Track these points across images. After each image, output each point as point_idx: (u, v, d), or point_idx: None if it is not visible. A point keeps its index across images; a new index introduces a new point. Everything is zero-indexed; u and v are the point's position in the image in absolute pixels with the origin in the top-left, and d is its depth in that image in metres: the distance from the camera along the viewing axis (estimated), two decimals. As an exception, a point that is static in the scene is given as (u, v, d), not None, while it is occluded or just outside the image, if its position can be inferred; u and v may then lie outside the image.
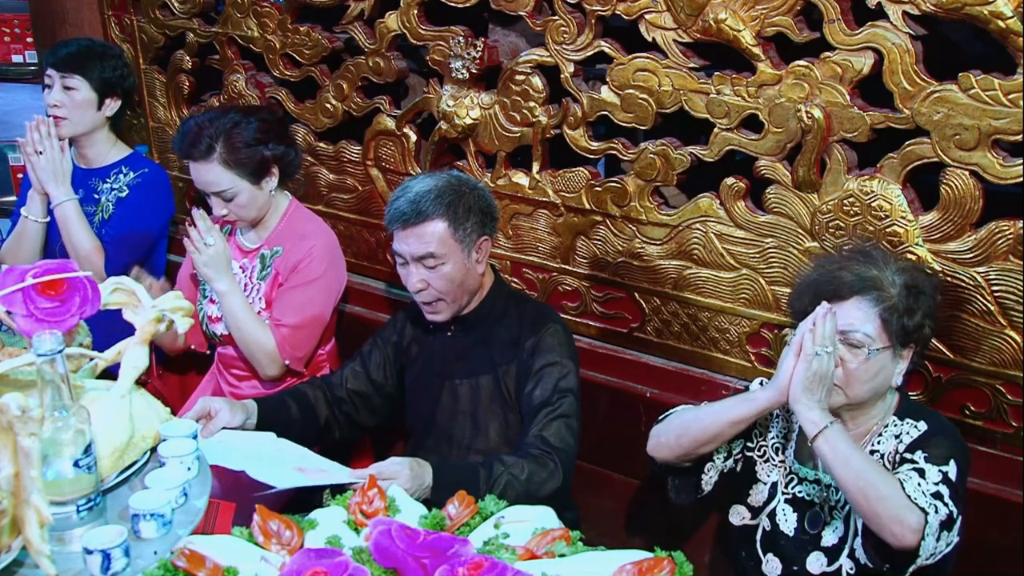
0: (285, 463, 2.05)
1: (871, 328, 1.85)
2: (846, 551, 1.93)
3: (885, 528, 1.73)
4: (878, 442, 1.94)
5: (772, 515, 2.03)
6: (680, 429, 2.03)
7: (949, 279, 2.09)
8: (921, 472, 1.80)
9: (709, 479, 2.08)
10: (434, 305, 2.26)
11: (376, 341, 2.47)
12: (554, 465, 2.13)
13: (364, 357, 2.46)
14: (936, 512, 1.73)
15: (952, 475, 1.80)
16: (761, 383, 2.09)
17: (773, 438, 2.06)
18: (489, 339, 2.32)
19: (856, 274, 1.88)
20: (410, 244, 2.20)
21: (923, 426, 1.90)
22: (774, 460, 2.05)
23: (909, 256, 2.11)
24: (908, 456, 1.85)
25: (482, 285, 2.32)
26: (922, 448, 1.85)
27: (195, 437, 1.78)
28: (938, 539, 1.73)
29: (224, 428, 2.15)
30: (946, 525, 1.74)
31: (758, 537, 2.05)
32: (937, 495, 1.76)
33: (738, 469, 2.10)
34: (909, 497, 1.73)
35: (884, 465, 1.90)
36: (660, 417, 2.11)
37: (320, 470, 2.07)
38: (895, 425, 1.93)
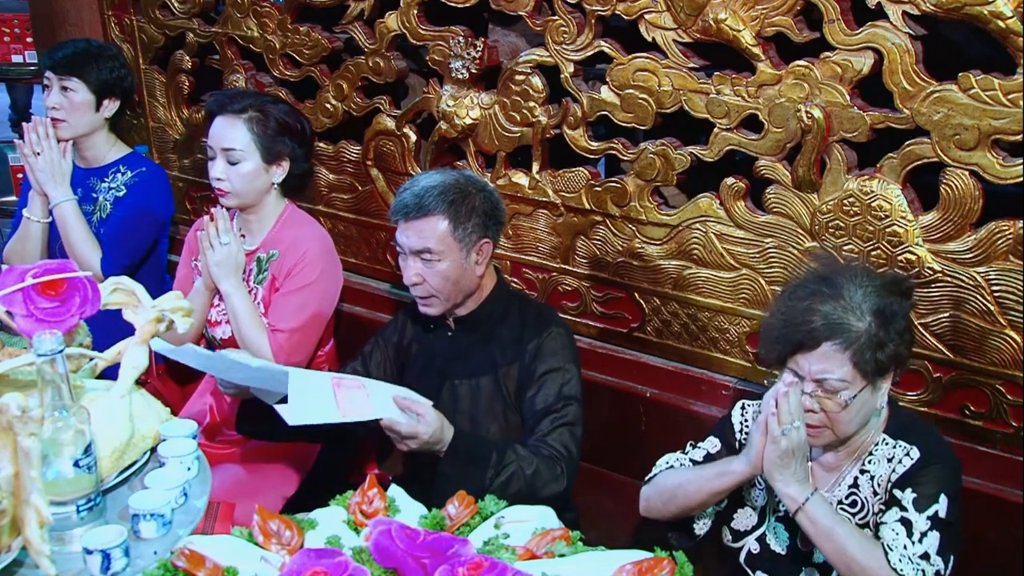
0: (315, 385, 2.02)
1: (845, 373, 1.80)
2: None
3: None
4: (869, 461, 1.92)
5: (762, 537, 2.02)
6: (666, 496, 2.03)
7: (949, 279, 2.09)
8: (908, 525, 1.80)
9: (703, 525, 2.08)
10: (427, 300, 2.26)
11: (377, 341, 2.47)
12: (561, 471, 2.14)
13: (365, 357, 2.46)
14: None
15: (943, 511, 1.81)
16: (743, 407, 2.08)
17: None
18: (490, 340, 2.32)
19: (823, 317, 1.80)
20: (409, 237, 2.20)
21: (915, 453, 1.87)
22: (761, 484, 2.03)
23: (909, 256, 2.11)
24: (897, 495, 1.84)
25: (483, 286, 2.31)
26: (912, 485, 1.83)
27: (195, 437, 1.78)
28: None
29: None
30: None
31: (742, 559, 2.05)
32: (925, 555, 1.77)
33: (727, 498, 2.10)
34: (894, 569, 1.75)
35: (873, 490, 1.90)
36: (647, 478, 2.10)
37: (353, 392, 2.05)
38: (886, 444, 1.91)
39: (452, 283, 2.23)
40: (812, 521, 1.82)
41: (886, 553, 1.77)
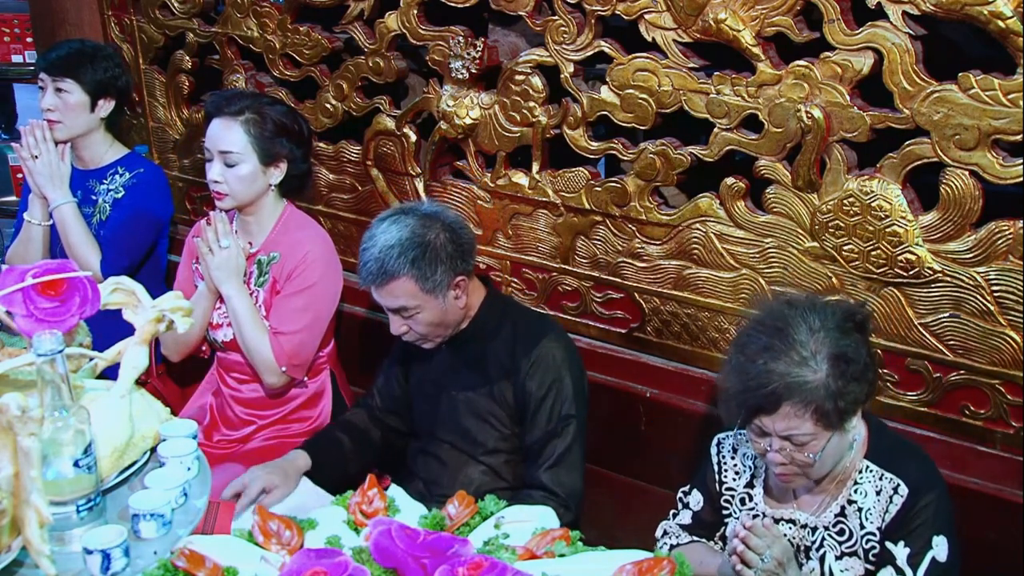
0: None
1: (808, 428, 1.78)
2: None
3: None
4: (855, 491, 1.90)
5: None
6: None
7: (949, 279, 2.09)
8: None
9: None
10: (420, 341, 2.30)
11: (393, 353, 2.51)
12: (563, 510, 2.15)
13: (386, 372, 2.52)
14: None
15: (940, 555, 1.81)
16: (719, 444, 2.07)
17: (738, 492, 2.05)
18: (482, 357, 2.33)
19: (779, 377, 1.76)
20: (383, 298, 2.23)
21: (904, 491, 1.84)
22: (741, 508, 2.03)
23: (909, 256, 2.11)
24: (891, 549, 1.83)
25: (470, 304, 2.31)
26: (905, 536, 1.82)
27: (195, 437, 1.78)
28: None
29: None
30: None
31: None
32: None
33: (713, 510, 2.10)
34: None
35: (861, 523, 1.88)
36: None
37: None
38: (871, 472, 1.89)
39: (438, 324, 2.26)
40: None
41: None
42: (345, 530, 1.77)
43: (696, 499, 2.11)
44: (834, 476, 1.91)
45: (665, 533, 2.13)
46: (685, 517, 2.12)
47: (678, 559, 1.65)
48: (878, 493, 1.87)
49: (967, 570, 1.89)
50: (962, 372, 2.14)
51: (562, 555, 1.70)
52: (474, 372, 2.33)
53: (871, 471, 1.89)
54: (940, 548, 1.82)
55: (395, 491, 1.91)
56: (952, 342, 2.13)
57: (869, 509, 1.88)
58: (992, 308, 2.06)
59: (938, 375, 2.17)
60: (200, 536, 1.69)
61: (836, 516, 1.91)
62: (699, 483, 2.11)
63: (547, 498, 2.17)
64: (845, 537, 1.90)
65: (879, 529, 1.86)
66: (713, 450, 2.09)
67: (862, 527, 1.88)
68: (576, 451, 2.26)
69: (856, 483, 1.90)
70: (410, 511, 1.85)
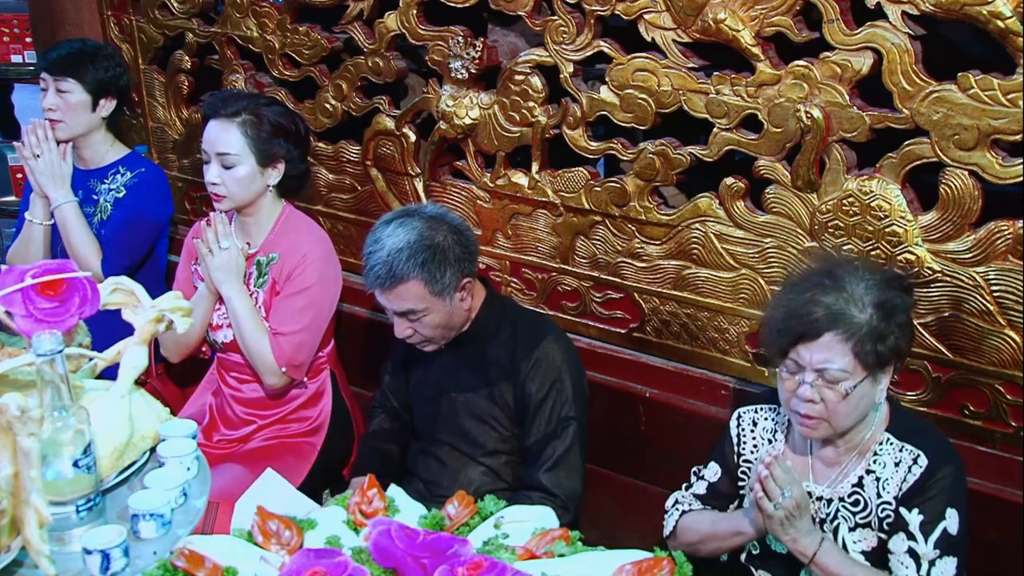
0: None
1: (846, 363, 1.82)
2: None
3: None
4: (874, 461, 1.92)
5: (762, 538, 2.02)
6: (691, 550, 2.01)
7: (948, 279, 2.09)
8: (917, 559, 1.83)
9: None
10: (424, 344, 2.30)
11: (394, 355, 2.52)
12: (562, 511, 2.15)
13: (391, 373, 2.53)
14: None
15: (952, 527, 1.84)
16: (739, 417, 2.09)
17: (757, 464, 2.06)
18: (482, 358, 2.33)
19: (825, 307, 1.83)
20: (390, 302, 2.22)
21: (923, 461, 1.88)
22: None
23: (908, 256, 2.11)
24: (904, 515, 1.86)
25: (472, 307, 2.31)
26: (919, 506, 1.85)
27: (194, 437, 1.78)
28: None
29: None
30: None
31: (743, 557, 2.06)
32: None
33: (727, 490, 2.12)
34: None
35: (878, 492, 1.90)
36: (666, 527, 2.12)
37: None
38: (891, 445, 1.92)
39: (443, 327, 2.26)
40: (825, 570, 1.85)
41: None
42: (344, 530, 1.77)
43: (713, 470, 2.11)
44: (854, 445, 1.93)
45: (676, 503, 2.13)
46: (700, 488, 2.12)
47: (678, 559, 1.65)
48: (896, 464, 1.90)
49: (967, 570, 1.90)
50: (962, 372, 2.14)
51: (562, 555, 1.70)
52: (474, 374, 2.33)
53: (891, 443, 1.92)
54: (952, 520, 1.84)
55: (395, 491, 1.91)
56: (951, 342, 2.13)
57: (887, 479, 1.90)
58: (992, 308, 2.06)
59: (938, 375, 2.17)
60: (199, 536, 1.69)
61: (853, 487, 1.93)
62: (717, 455, 2.12)
63: (546, 499, 2.18)
64: (860, 508, 1.92)
65: (895, 498, 1.88)
66: (733, 423, 2.10)
67: (879, 496, 1.90)
68: (575, 453, 2.27)
69: (876, 454, 1.93)
70: (409, 511, 1.84)
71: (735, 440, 2.09)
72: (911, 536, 1.84)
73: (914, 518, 1.85)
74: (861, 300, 1.83)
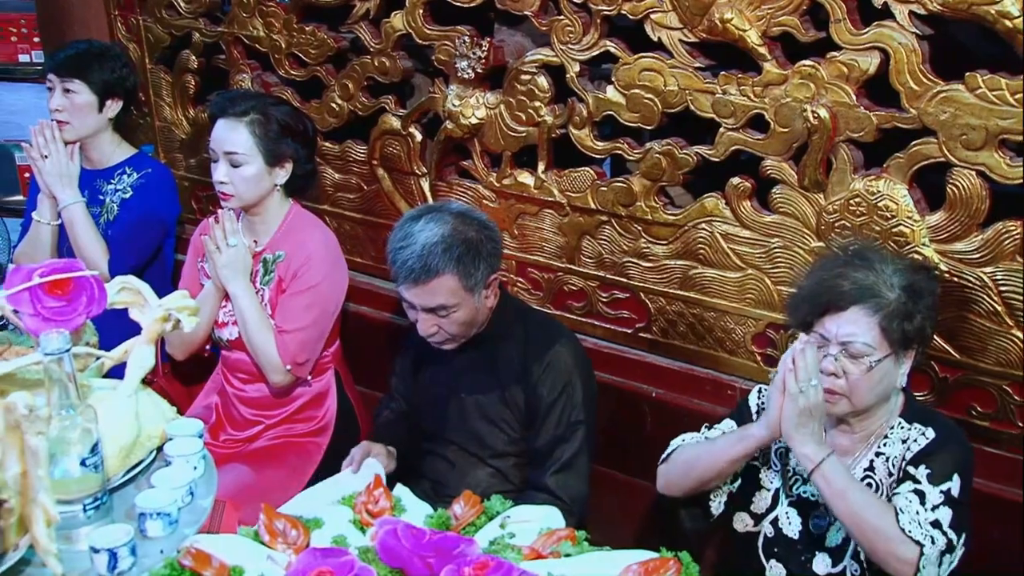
0: None
1: (871, 337, 1.83)
2: (850, 552, 1.92)
3: (881, 561, 1.78)
4: (884, 444, 1.93)
5: (775, 521, 2.02)
6: (684, 468, 2.04)
7: (955, 279, 2.09)
8: (921, 496, 1.80)
9: (718, 503, 2.08)
10: (447, 342, 2.28)
11: (403, 355, 2.53)
12: (567, 515, 2.13)
13: (399, 375, 2.54)
14: (933, 543, 1.74)
15: (955, 491, 1.82)
16: (760, 391, 2.09)
17: (777, 444, 2.06)
18: (493, 359, 2.32)
19: (853, 281, 1.86)
20: (419, 297, 2.19)
21: (931, 433, 1.89)
22: (776, 465, 2.05)
23: (916, 256, 2.10)
24: (911, 471, 1.85)
25: (492, 305, 2.31)
26: (926, 463, 1.85)
27: (201, 436, 1.78)
28: (939, 564, 1.76)
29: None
30: (946, 551, 1.76)
31: (760, 544, 2.05)
32: (936, 523, 1.77)
33: (741, 479, 2.10)
34: (904, 530, 1.75)
35: (888, 471, 1.91)
36: (664, 456, 2.11)
37: None
38: (902, 428, 1.93)
39: (468, 323, 2.25)
40: (827, 481, 1.82)
41: (897, 516, 1.77)
42: (351, 529, 1.78)
43: (729, 425, 2.10)
44: (867, 433, 1.94)
45: (683, 440, 2.11)
46: (713, 435, 2.10)
47: (684, 559, 1.65)
48: (904, 441, 1.91)
49: (970, 569, 1.89)
50: (968, 372, 2.13)
51: (568, 555, 1.70)
52: (485, 375, 2.33)
53: (902, 427, 1.93)
54: (956, 485, 1.82)
55: (401, 491, 1.91)
56: (958, 342, 2.13)
57: (896, 456, 1.91)
58: (999, 308, 2.06)
59: (944, 375, 2.17)
60: (206, 535, 1.69)
61: (865, 471, 1.93)
62: (735, 416, 2.11)
63: (551, 502, 2.17)
64: (872, 491, 1.91)
65: (901, 464, 1.89)
66: (753, 395, 2.11)
67: (890, 475, 1.90)
68: (583, 457, 2.26)
69: (886, 437, 1.93)
70: (416, 511, 1.85)
71: (753, 411, 2.09)
72: (917, 482, 1.83)
73: (921, 471, 1.83)
74: (890, 280, 1.85)
